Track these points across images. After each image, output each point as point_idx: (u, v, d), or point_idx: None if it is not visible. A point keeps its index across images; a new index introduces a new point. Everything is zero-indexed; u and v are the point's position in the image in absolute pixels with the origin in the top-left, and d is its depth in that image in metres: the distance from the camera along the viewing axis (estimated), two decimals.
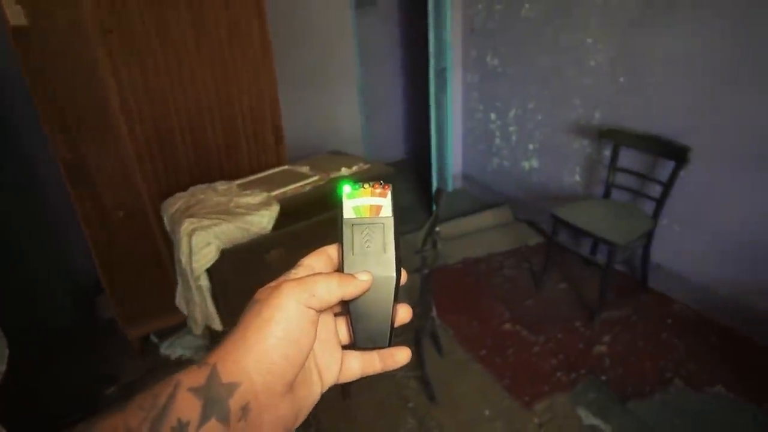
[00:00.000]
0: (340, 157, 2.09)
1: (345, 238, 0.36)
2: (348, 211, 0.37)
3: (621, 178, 2.30)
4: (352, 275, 0.35)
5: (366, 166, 1.92)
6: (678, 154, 1.97)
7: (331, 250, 0.38)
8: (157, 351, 2.16)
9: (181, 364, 2.09)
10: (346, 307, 0.36)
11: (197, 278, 1.48)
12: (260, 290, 0.33)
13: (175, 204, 1.64)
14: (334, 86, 3.51)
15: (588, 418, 1.69)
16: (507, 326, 2.19)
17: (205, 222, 1.44)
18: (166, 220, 1.66)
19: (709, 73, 1.93)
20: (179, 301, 1.72)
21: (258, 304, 0.32)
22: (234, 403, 0.29)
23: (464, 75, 3.33)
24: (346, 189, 0.37)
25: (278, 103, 2.13)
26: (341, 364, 0.37)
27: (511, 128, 3.05)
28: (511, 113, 3.02)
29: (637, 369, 1.90)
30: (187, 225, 1.44)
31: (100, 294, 2.33)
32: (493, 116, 3.18)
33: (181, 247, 1.45)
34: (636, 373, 1.87)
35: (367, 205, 0.37)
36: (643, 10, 2.10)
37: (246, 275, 1.56)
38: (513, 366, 1.96)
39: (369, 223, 0.36)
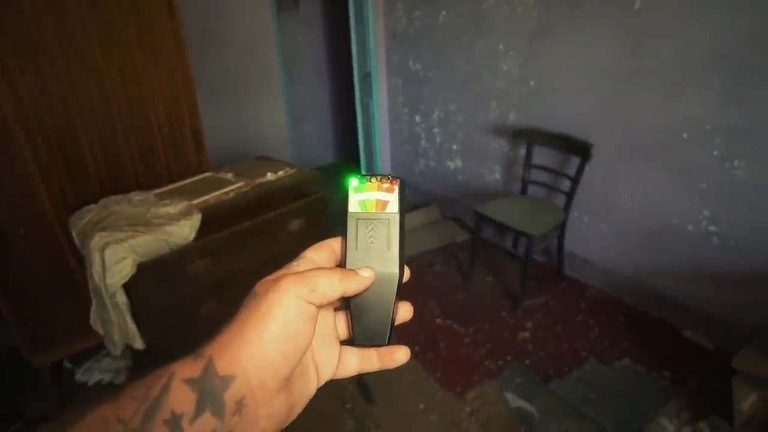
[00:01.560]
0: (266, 162, 2.06)
1: (349, 233, 0.35)
2: (353, 205, 0.36)
3: (536, 175, 2.47)
4: (354, 271, 0.34)
5: (292, 171, 1.91)
6: (582, 151, 2.15)
7: (334, 243, 0.36)
8: (72, 378, 1.99)
9: (101, 389, 1.94)
10: (346, 303, 0.35)
11: (113, 295, 1.39)
12: (260, 282, 0.32)
13: (84, 217, 1.53)
14: (258, 90, 3.43)
15: (515, 401, 1.80)
16: (438, 321, 2.27)
17: (119, 235, 1.36)
18: (75, 234, 1.55)
19: (605, 77, 2.13)
20: (94, 320, 1.61)
21: (256, 297, 0.31)
22: (229, 397, 0.28)
23: (389, 79, 3.40)
24: (353, 182, 0.36)
25: (197, 106, 2.05)
26: (338, 359, 0.37)
27: (435, 130, 3.17)
28: (435, 116, 3.13)
29: (557, 351, 2.04)
30: (98, 239, 1.35)
31: None
32: (418, 119, 3.27)
33: (93, 263, 1.36)
34: (556, 355, 2.02)
35: (373, 199, 0.36)
36: (542, 21, 2.28)
37: (168, 288, 1.49)
38: (445, 359, 2.04)
39: (374, 219, 0.35)
